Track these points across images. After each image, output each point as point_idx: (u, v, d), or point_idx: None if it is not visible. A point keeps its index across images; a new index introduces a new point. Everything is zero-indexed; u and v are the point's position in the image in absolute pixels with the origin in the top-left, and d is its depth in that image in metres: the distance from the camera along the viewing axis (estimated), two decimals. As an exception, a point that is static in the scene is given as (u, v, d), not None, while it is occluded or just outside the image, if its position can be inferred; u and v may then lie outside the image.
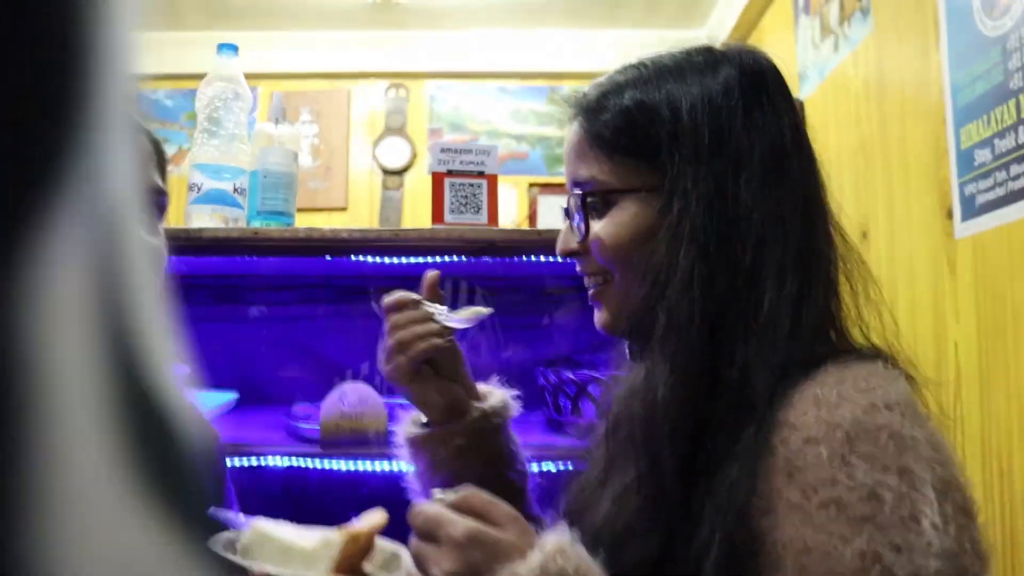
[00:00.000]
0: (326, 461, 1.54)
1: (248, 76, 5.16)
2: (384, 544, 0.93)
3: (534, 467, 1.45)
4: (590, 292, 0.94)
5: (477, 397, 1.09)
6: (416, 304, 1.03)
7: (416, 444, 1.08)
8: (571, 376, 1.59)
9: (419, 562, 0.73)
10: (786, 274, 0.81)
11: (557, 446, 1.49)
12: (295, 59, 5.22)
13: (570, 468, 1.16)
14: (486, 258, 1.57)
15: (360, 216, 5.10)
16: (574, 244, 0.93)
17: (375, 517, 0.89)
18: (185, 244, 1.55)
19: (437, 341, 1.01)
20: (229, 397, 1.89)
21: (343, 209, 5.13)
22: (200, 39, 4.75)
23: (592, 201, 0.90)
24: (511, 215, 4.91)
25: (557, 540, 0.71)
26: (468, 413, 1.06)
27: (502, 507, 0.75)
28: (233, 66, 1.63)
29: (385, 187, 5.17)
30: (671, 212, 0.84)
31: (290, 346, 2.02)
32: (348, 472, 1.56)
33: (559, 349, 1.83)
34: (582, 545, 0.73)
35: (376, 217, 5.10)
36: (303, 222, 5.23)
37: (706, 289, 0.81)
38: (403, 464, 1.15)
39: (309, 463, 1.54)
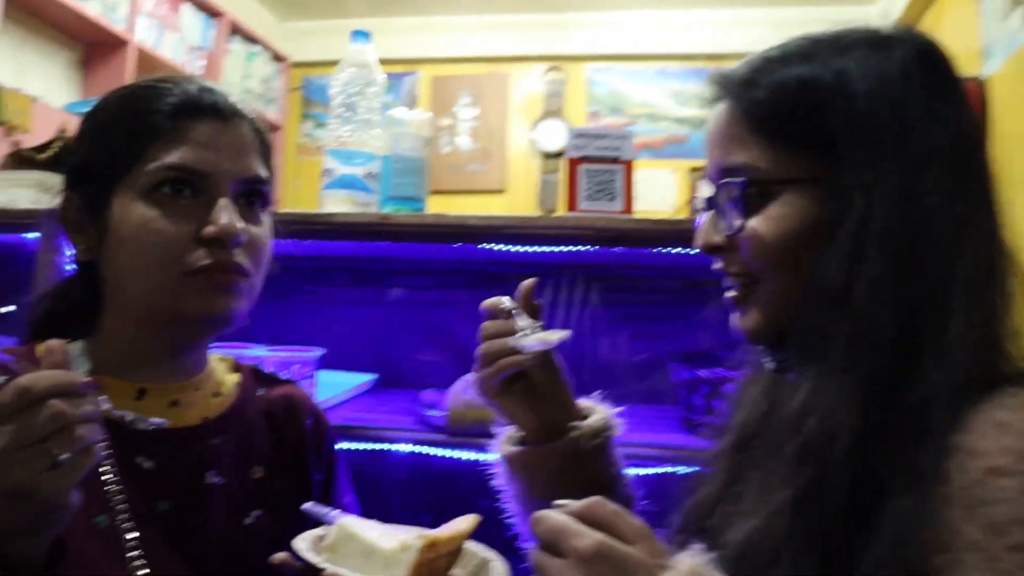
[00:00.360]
0: (451, 450, 1.53)
1: (408, 61, 5.28)
2: (476, 550, 0.90)
3: (661, 470, 1.39)
4: (730, 294, 0.85)
5: (576, 414, 1.01)
6: (509, 314, 0.96)
7: (511, 463, 1.03)
8: (704, 374, 1.51)
9: (542, 573, 0.68)
10: (975, 284, 0.72)
11: (686, 447, 1.42)
12: (454, 43, 5.27)
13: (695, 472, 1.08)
14: (617, 251, 1.51)
15: (517, 199, 5.11)
16: (718, 239, 0.83)
17: (463, 523, 0.87)
18: (318, 228, 1.57)
19: (522, 358, 0.94)
20: (367, 378, 1.92)
21: (500, 192, 5.16)
22: (364, 26, 4.86)
23: (745, 191, 0.79)
24: (670, 200, 4.79)
25: (692, 562, 0.65)
26: (565, 433, 0.99)
27: (632, 520, 0.68)
28: (367, 53, 1.63)
29: (543, 170, 5.15)
30: (850, 210, 0.73)
31: (425, 330, 2.02)
32: (472, 461, 1.54)
33: (696, 343, 1.75)
34: (718, 568, 0.66)
35: (533, 200, 5.10)
36: (461, 204, 5.35)
37: (894, 299, 0.72)
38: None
39: (434, 451, 1.54)
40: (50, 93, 3.97)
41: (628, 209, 1.59)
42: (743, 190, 0.79)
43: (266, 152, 1.00)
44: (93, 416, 0.74)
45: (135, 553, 0.88)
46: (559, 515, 0.68)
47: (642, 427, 1.54)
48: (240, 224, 0.92)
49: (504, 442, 1.05)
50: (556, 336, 0.93)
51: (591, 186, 1.60)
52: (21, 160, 2.60)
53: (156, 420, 0.83)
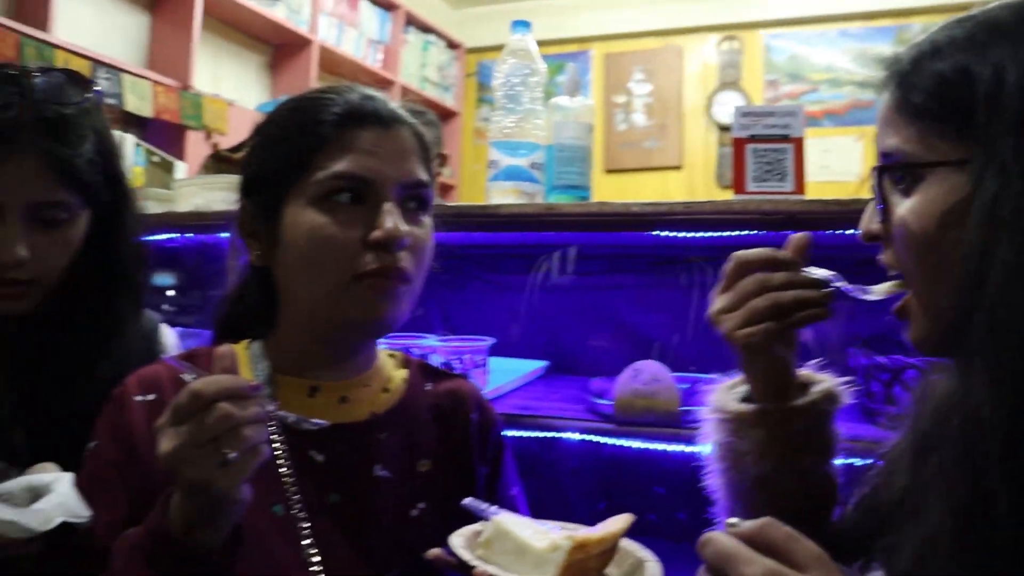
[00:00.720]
0: (620, 439, 1.53)
1: (580, 39, 5.28)
2: (632, 549, 0.90)
3: (840, 462, 1.33)
4: (896, 307, 0.79)
5: (802, 379, 0.97)
6: (794, 266, 0.90)
7: (746, 421, 0.94)
8: (883, 361, 1.43)
9: None
10: None
11: (863, 437, 1.35)
12: (626, 19, 5.21)
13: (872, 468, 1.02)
14: (787, 232, 1.45)
15: (695, 174, 5.02)
16: (875, 226, 0.79)
17: (616, 524, 0.87)
18: (485, 220, 1.60)
19: (824, 312, 0.88)
20: (539, 365, 1.94)
21: (678, 168, 5.08)
22: (534, 8, 4.89)
23: (897, 176, 0.76)
24: (854, 170, 4.57)
25: None
26: (803, 393, 0.94)
27: (806, 544, 0.65)
28: (528, 42, 1.64)
29: (721, 143, 5.03)
30: (983, 191, 0.69)
31: (597, 317, 2.02)
32: (641, 450, 1.53)
33: (875, 328, 1.66)
34: None
35: (712, 175, 4.99)
36: (638, 182, 5.28)
37: None
38: (696, 446, 1.08)
39: (603, 439, 1.54)
40: (243, 95, 4.23)
41: (800, 189, 1.53)
42: (892, 174, 0.76)
43: (426, 156, 1.03)
44: (259, 417, 0.79)
45: (308, 541, 0.94)
46: (728, 539, 0.65)
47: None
48: (404, 228, 0.95)
49: (725, 395, 0.99)
50: (891, 287, 0.83)
51: (759, 166, 1.54)
52: (220, 160, 2.78)
53: (317, 421, 0.88)
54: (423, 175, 1.01)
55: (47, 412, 1.14)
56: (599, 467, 1.73)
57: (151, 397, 0.99)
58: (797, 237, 0.93)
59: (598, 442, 1.57)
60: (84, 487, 0.95)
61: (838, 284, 0.88)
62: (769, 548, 0.64)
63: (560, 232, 1.62)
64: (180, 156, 3.52)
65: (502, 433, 1.16)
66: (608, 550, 0.86)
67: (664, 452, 1.52)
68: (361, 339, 1.04)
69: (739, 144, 1.56)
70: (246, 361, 1.04)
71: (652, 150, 5.10)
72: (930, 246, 0.72)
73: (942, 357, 0.79)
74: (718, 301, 0.93)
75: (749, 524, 0.66)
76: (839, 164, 4.52)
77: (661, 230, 1.53)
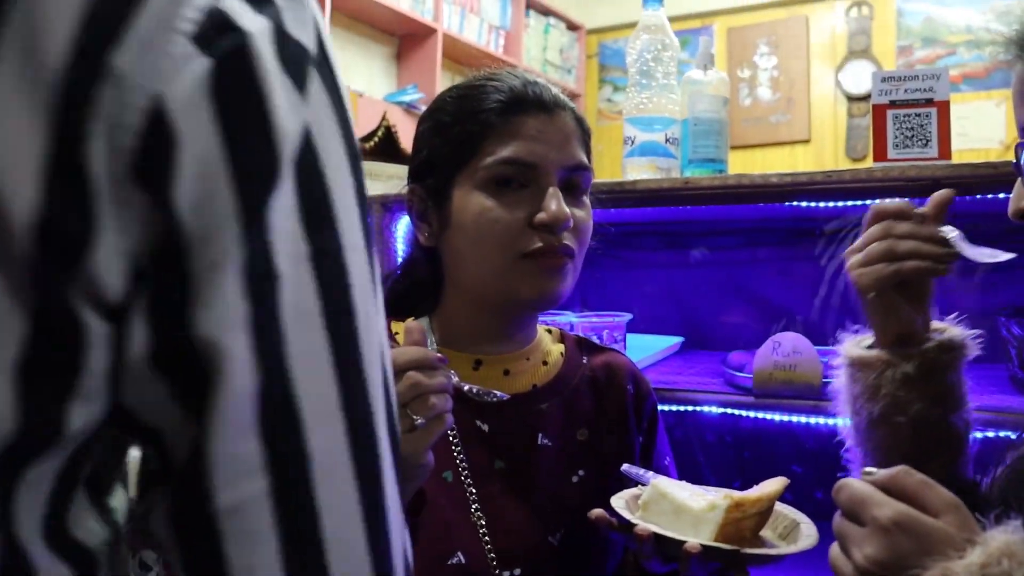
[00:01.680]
0: (759, 412, 1.52)
1: (703, 15, 5.19)
2: (787, 512, 0.92)
3: (987, 433, 1.30)
4: None
5: (933, 331, 1.00)
6: (922, 220, 0.95)
7: (860, 365, 1.00)
8: (1037, 329, 1.39)
9: (841, 541, 0.68)
10: None
11: (1014, 410, 1.31)
12: (749, -9, 5.09)
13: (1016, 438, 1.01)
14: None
15: (824, 148, 4.89)
16: None
17: (772, 486, 0.88)
18: (622, 196, 1.62)
19: (938, 267, 0.94)
20: (675, 341, 1.95)
21: (806, 141, 4.96)
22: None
23: None
24: (998, 136, 4.37)
25: (1005, 539, 0.62)
26: (923, 342, 0.97)
27: (940, 491, 0.66)
28: (660, 17, 1.65)
29: (850, 115, 4.88)
30: None
31: (732, 290, 2.02)
32: (781, 423, 1.53)
33: (1029, 296, 1.60)
34: None
35: (841, 147, 4.86)
36: (765, 157, 5.18)
37: None
38: (838, 420, 1.10)
39: (742, 412, 1.54)
40: (371, 86, 4.35)
41: (945, 154, 1.48)
42: None
43: (586, 139, 1.08)
44: (445, 388, 0.84)
45: (476, 505, 1.00)
46: (862, 484, 0.67)
47: (970, 388, 1.45)
48: (567, 210, 1.00)
49: (852, 344, 1.04)
50: (1006, 255, 0.92)
51: (901, 132, 1.51)
52: None
53: (498, 393, 0.93)
54: (583, 158, 1.05)
55: None
56: (736, 443, 1.73)
57: None
58: (939, 194, 0.96)
59: (736, 415, 1.57)
60: None
61: (959, 243, 0.90)
62: (903, 494, 0.65)
63: (696, 206, 1.62)
64: (315, 147, 3.64)
65: (656, 405, 1.19)
66: (764, 511, 0.88)
67: (805, 426, 1.51)
68: (526, 314, 1.09)
69: (879, 110, 1.52)
70: None
71: (779, 124, 4.99)
72: None
73: None
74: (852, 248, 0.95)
75: (884, 472, 0.67)
76: (978, 131, 4.32)
77: (799, 201, 1.51)
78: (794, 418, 1.51)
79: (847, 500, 0.67)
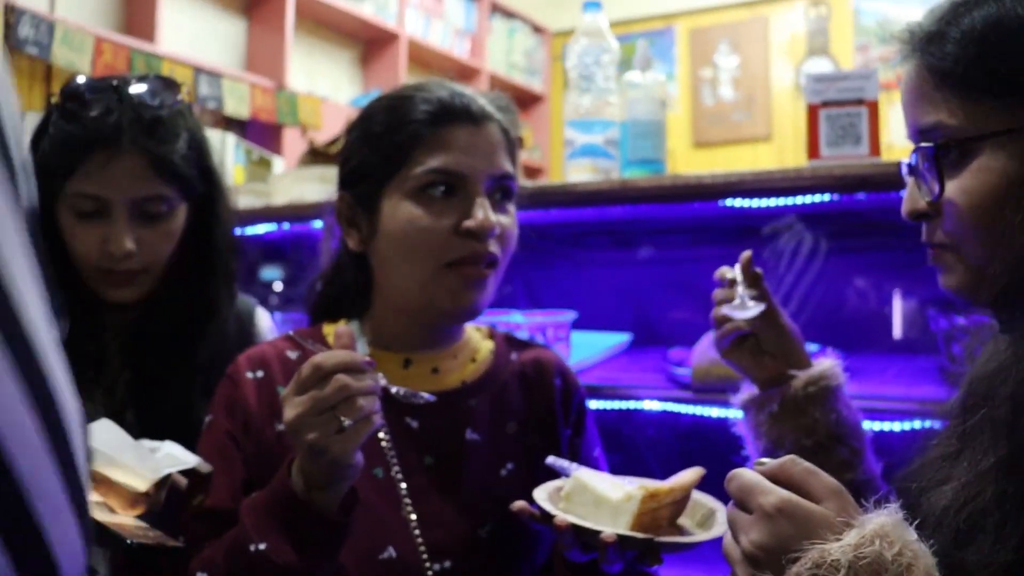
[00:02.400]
0: (697, 406, 1.56)
1: (665, 16, 5.23)
2: (705, 500, 0.95)
3: (917, 424, 1.34)
4: (931, 254, 0.83)
5: (804, 367, 1.09)
6: (732, 283, 1.08)
7: (744, 407, 1.13)
8: (963, 322, 1.43)
9: (732, 529, 0.71)
10: None
11: (943, 400, 1.35)
12: (709, -7, 5.15)
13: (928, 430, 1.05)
14: (864, 196, 1.46)
15: (785, 145, 4.95)
16: (922, 205, 0.80)
17: (687, 475, 0.92)
18: (563, 198, 1.65)
19: (740, 325, 1.08)
20: (622, 339, 1.98)
21: (767, 139, 5.02)
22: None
23: (943, 154, 0.76)
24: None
25: (880, 521, 0.64)
26: (787, 380, 1.07)
27: (823, 478, 0.69)
28: (599, 21, 1.68)
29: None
30: None
31: (678, 287, 2.05)
32: (718, 418, 1.56)
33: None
34: (914, 529, 0.65)
35: (802, 144, 4.90)
36: (727, 155, 5.22)
37: None
38: (735, 412, 1.20)
39: (681, 408, 1.57)
40: (336, 91, 4.37)
41: (875, 152, 1.53)
42: (938, 152, 0.76)
43: (512, 149, 1.11)
44: (373, 390, 0.87)
45: (407, 500, 1.03)
46: (751, 473, 0.70)
47: (898, 379, 1.49)
48: (493, 218, 1.03)
49: (740, 394, 1.15)
50: (755, 310, 1.06)
51: (833, 131, 1.55)
52: (315, 155, 2.89)
53: (425, 395, 0.95)
54: (509, 167, 1.09)
55: (154, 393, 1.25)
56: (677, 436, 1.76)
57: (260, 374, 1.09)
58: (743, 256, 1.10)
59: (676, 412, 1.60)
60: (204, 457, 1.06)
61: (732, 305, 1.08)
62: (789, 482, 0.69)
63: (636, 205, 1.65)
64: (278, 152, 3.66)
65: (584, 399, 1.23)
66: (680, 500, 0.92)
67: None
68: (447, 324, 1.12)
69: (812, 110, 1.57)
70: None
71: (741, 123, 5.05)
72: (986, 218, 0.74)
73: (976, 305, 0.82)
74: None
75: (773, 461, 0.71)
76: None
77: (733, 199, 1.55)
78: (731, 413, 1.54)
79: (736, 489, 0.71)
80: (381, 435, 1.06)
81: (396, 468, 1.05)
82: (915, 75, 0.79)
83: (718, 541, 0.89)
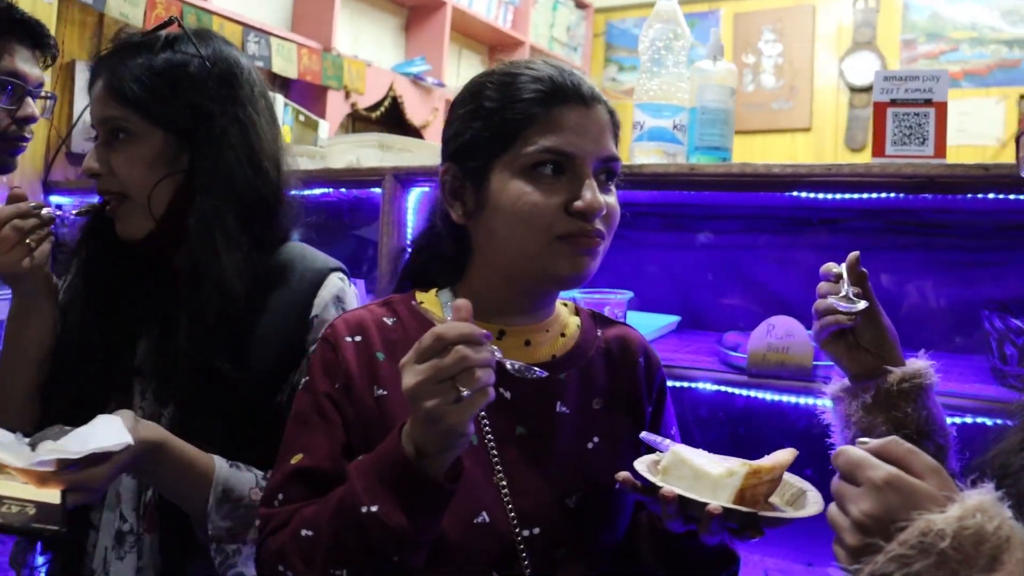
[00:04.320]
0: (752, 390, 1.60)
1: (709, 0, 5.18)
2: (794, 480, 0.99)
3: (967, 419, 1.38)
4: None
5: (898, 365, 1.14)
6: (838, 278, 1.13)
7: (835, 398, 1.19)
8: (1018, 324, 1.46)
9: (838, 500, 0.76)
10: None
11: (995, 399, 1.39)
12: (758, -22, 5.13)
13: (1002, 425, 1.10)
14: (925, 195, 1.48)
15: (824, 137, 4.95)
16: None
17: (783, 455, 0.96)
18: (630, 179, 1.68)
19: (841, 319, 1.14)
20: (672, 320, 2.02)
21: (807, 130, 5.02)
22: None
23: None
24: (995, 132, 4.43)
25: (980, 497, 0.70)
26: (883, 375, 1.12)
27: (924, 457, 0.75)
28: (673, 7, 1.70)
29: (852, 105, 4.93)
30: None
31: (729, 274, 2.09)
32: (773, 402, 1.60)
33: (1010, 292, 1.68)
34: (1007, 507, 0.70)
35: (841, 137, 4.92)
36: (765, 144, 5.23)
37: None
38: (825, 400, 1.23)
39: (736, 391, 1.61)
40: (380, 57, 4.39)
41: (940, 153, 1.55)
42: None
43: (617, 131, 1.14)
44: (489, 363, 0.90)
45: (499, 468, 1.07)
46: (858, 450, 0.75)
47: (949, 376, 1.52)
48: (602, 199, 1.06)
49: (833, 382, 1.21)
50: (861, 305, 1.10)
51: (900, 130, 1.57)
52: (358, 119, 2.91)
53: (538, 370, 0.98)
54: (615, 150, 1.11)
55: (167, 351, 1.26)
56: (729, 419, 1.80)
57: (358, 339, 1.12)
58: (851, 256, 1.15)
59: (730, 393, 1.65)
60: (300, 418, 1.10)
61: (835, 299, 1.12)
62: (892, 459, 0.74)
63: (700, 191, 1.68)
64: (321, 115, 3.69)
65: (664, 378, 1.26)
66: (776, 479, 0.96)
67: (794, 406, 1.59)
68: (555, 291, 1.15)
69: (880, 108, 1.59)
70: (439, 306, 1.16)
71: (780, 111, 5.05)
72: None
73: None
74: None
75: (876, 440, 0.76)
76: (977, 127, 4.40)
77: (799, 191, 1.58)
78: (785, 398, 1.58)
79: (845, 463, 0.76)
80: None
81: (489, 437, 1.08)
82: None
83: (811, 519, 0.93)
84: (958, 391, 1.42)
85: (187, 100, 1.26)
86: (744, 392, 1.62)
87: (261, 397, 1.26)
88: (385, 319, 1.15)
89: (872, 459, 0.74)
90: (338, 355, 1.11)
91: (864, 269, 1.14)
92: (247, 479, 1.21)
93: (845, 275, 1.13)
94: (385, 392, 1.09)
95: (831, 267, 1.16)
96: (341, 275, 1.37)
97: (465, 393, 0.87)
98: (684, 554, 1.08)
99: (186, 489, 1.18)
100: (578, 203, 1.04)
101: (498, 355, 0.92)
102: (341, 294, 1.34)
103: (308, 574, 0.99)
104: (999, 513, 0.69)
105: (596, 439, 1.13)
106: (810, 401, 1.54)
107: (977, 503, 0.69)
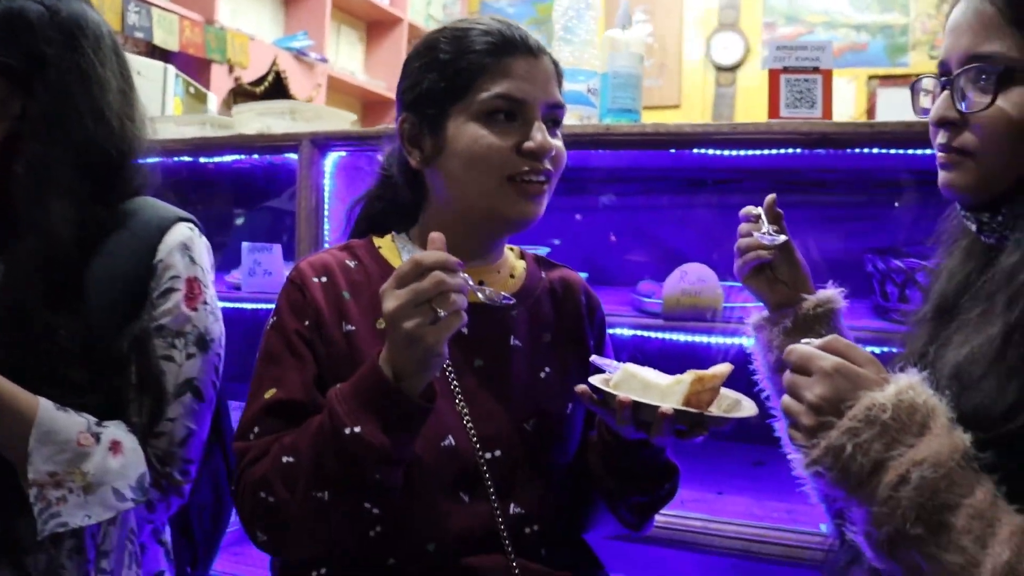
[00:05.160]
0: (667, 333, 1.73)
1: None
2: (729, 393, 1.10)
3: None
4: (943, 156, 0.98)
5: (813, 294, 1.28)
6: (757, 218, 1.26)
7: (756, 328, 1.32)
8: (899, 264, 1.64)
9: (792, 390, 0.88)
10: None
11: (882, 330, 1.58)
12: (631, -40, 5.32)
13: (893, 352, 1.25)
14: (820, 151, 1.64)
15: (693, 113, 5.19)
16: (953, 114, 0.96)
17: (721, 367, 1.06)
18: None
19: (763, 253, 1.27)
20: (581, 276, 2.13)
21: (676, 107, 5.25)
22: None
23: (985, 76, 0.92)
24: (847, 111, 4.77)
25: (909, 378, 0.83)
26: (799, 303, 1.27)
27: (860, 350, 0.88)
28: (586, -21, 1.81)
29: (718, 83, 5.20)
30: None
31: (632, 234, 2.23)
32: (686, 343, 1.74)
33: (887, 240, 1.87)
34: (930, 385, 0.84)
35: (709, 114, 5.17)
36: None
37: None
38: (736, 340, 1.40)
39: (652, 334, 1.75)
40: (261, 30, 4.34)
41: (828, 115, 1.73)
42: (995, 74, 0.91)
43: (560, 80, 1.23)
44: (463, 288, 0.98)
45: (460, 397, 1.16)
46: (807, 347, 0.88)
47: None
48: (551, 140, 1.16)
49: (754, 315, 1.34)
50: (780, 239, 1.24)
51: (792, 94, 1.74)
52: (241, 94, 2.88)
53: (506, 295, 1.04)
54: (561, 97, 1.21)
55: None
56: (646, 361, 1.92)
57: (324, 279, 1.19)
58: (768, 197, 1.28)
59: (646, 337, 1.78)
60: (270, 356, 1.16)
61: (760, 235, 1.25)
62: (836, 352, 0.87)
63: (614, 151, 1.78)
64: (206, 88, 3.64)
65: (604, 315, 1.38)
66: (717, 388, 1.05)
67: (707, 345, 1.73)
68: (506, 233, 1.23)
69: (774, 74, 1.75)
70: (395, 251, 1.24)
71: (651, 89, 5.26)
72: (1019, 131, 0.91)
73: (968, 203, 0.99)
74: None
75: (819, 339, 0.89)
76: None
77: (708, 149, 1.71)
78: (698, 338, 1.72)
79: (797, 358, 0.88)
80: None
81: (450, 368, 1.17)
82: (979, 6, 0.93)
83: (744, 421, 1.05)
84: (849, 325, 1.60)
85: (23, 44, 1.20)
86: (660, 335, 1.75)
87: (96, 342, 1.19)
88: (348, 262, 1.23)
89: (821, 352, 0.86)
90: (306, 295, 1.17)
91: (780, 210, 1.28)
92: (76, 423, 1.14)
93: (763, 215, 1.26)
94: (353, 328, 1.16)
95: (750, 209, 1.29)
96: (191, 225, 1.31)
97: (442, 314, 0.95)
98: (631, 465, 1.17)
99: (4, 427, 1.11)
100: (529, 143, 1.13)
101: (470, 282, 1.00)
102: (189, 243, 1.28)
103: (291, 499, 1.04)
104: (925, 390, 0.83)
105: (547, 370, 1.24)
106: (721, 340, 1.69)
107: (908, 383, 0.82)
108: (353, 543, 1.10)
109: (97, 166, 1.23)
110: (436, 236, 1.01)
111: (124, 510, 1.16)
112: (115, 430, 1.18)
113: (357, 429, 0.99)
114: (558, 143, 1.19)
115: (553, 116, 1.19)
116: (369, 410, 1.00)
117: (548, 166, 1.16)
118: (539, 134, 1.14)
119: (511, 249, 1.35)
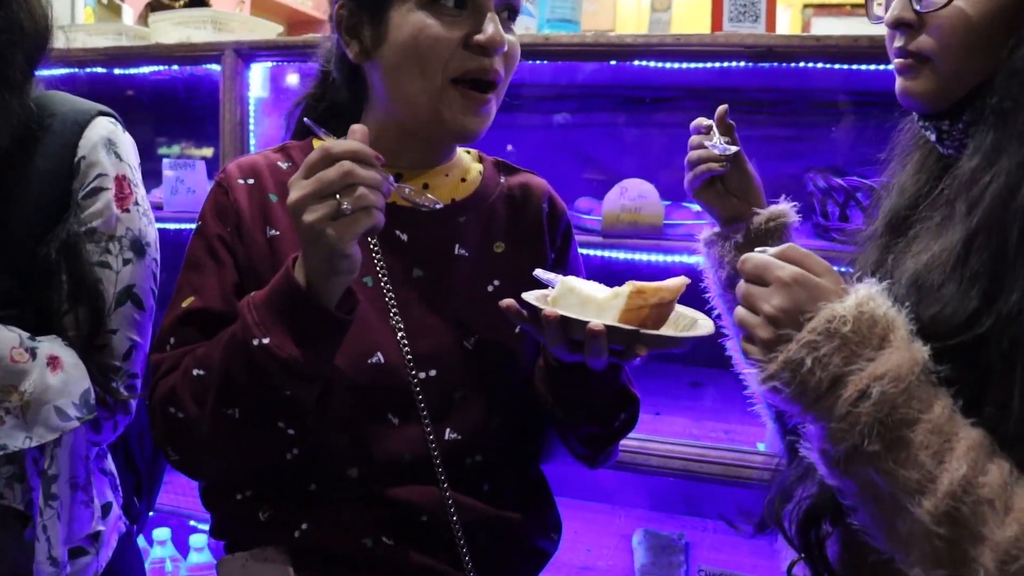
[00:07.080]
0: (607, 251, 1.69)
1: None
2: (687, 312, 1.01)
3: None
4: (900, 61, 0.93)
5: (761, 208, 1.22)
6: (708, 130, 1.19)
7: (707, 243, 1.26)
8: (841, 182, 1.62)
9: (748, 301, 0.82)
10: None
11: (821, 249, 1.56)
12: None
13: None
14: (764, 65, 1.60)
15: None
16: (909, 15, 0.91)
17: (672, 281, 0.96)
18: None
19: (714, 165, 1.20)
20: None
21: (611, 31, 5.16)
22: None
23: None
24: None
25: (868, 289, 0.79)
26: (750, 217, 1.20)
27: (818, 259, 0.82)
28: None
29: (653, 9, 5.11)
30: None
31: (567, 152, 2.17)
32: (627, 261, 1.71)
33: (829, 160, 1.86)
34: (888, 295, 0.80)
35: (642, 40, 5.10)
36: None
37: None
38: (679, 257, 1.31)
39: (591, 252, 1.70)
40: (180, -61, 4.11)
41: (772, 29, 1.69)
42: None
43: None
44: (376, 182, 0.88)
45: (395, 310, 1.07)
46: (763, 255, 0.83)
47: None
48: (503, 34, 1.03)
49: (704, 231, 1.28)
50: (732, 149, 1.18)
51: (735, 8, 1.69)
52: (159, 8, 2.74)
53: (431, 197, 0.96)
54: None
55: None
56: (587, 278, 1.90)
57: (251, 181, 1.10)
58: (720, 108, 1.21)
59: (586, 255, 1.73)
60: (192, 262, 1.07)
61: (710, 145, 1.19)
62: (792, 261, 0.81)
63: (553, 62, 1.72)
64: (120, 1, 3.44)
65: (569, 224, 1.27)
66: (665, 304, 0.95)
67: (648, 263, 1.70)
68: (447, 144, 1.14)
69: (717, -13, 1.70)
70: None
71: (587, 13, 5.16)
72: (977, 37, 0.86)
73: (925, 111, 0.95)
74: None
75: (776, 248, 0.83)
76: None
77: (649, 61, 1.66)
78: (638, 256, 1.69)
79: (752, 267, 0.83)
80: (371, 244, 1.07)
81: (384, 278, 1.07)
82: None
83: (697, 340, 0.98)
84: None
85: None
86: (599, 253, 1.71)
87: (22, 251, 1.11)
88: (279, 163, 1.13)
89: (777, 261, 0.81)
90: (230, 197, 1.09)
91: (731, 121, 1.21)
92: (7, 338, 1.06)
93: (715, 127, 1.21)
94: (277, 232, 1.07)
95: (701, 121, 1.22)
96: (113, 120, 1.20)
97: (346, 207, 0.86)
98: (580, 393, 1.07)
99: None
100: (479, 36, 1.01)
101: (392, 180, 0.91)
102: (113, 137, 1.18)
103: (200, 415, 0.97)
104: (885, 301, 0.79)
105: (497, 282, 1.14)
106: (662, 258, 1.66)
107: (867, 294, 0.78)
108: (270, 465, 1.03)
109: (27, 48, 1.11)
110: (357, 127, 0.91)
111: (69, 430, 1.08)
112: (52, 344, 1.10)
113: (266, 340, 0.91)
114: (512, 38, 1.07)
115: (508, 6, 1.07)
116: (280, 320, 0.92)
117: (497, 66, 1.04)
118: (491, 26, 1.02)
119: (468, 152, 1.25)
